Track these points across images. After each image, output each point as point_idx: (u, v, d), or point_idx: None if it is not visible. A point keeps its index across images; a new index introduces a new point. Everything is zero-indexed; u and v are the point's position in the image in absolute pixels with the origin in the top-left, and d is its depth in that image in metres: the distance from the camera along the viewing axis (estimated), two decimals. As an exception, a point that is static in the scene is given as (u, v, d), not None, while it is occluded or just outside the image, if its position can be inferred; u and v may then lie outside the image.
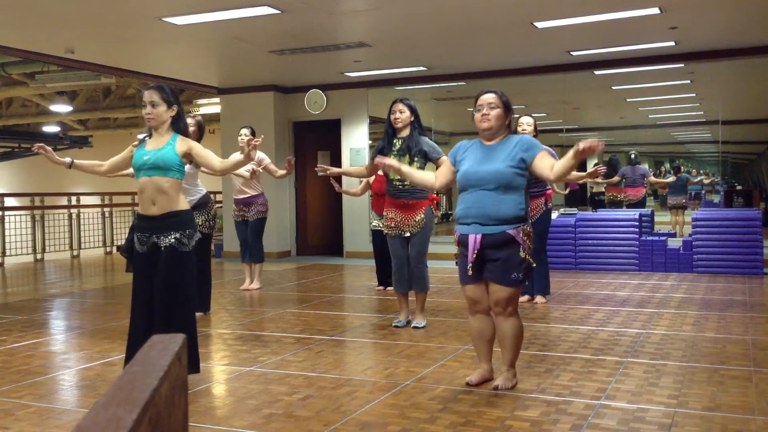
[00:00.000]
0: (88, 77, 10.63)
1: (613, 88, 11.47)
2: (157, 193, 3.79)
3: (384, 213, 5.39)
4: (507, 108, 3.71)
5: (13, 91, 13.00)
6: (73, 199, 13.05)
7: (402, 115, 5.17)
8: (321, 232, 11.81)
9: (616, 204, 10.91)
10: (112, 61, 9.32)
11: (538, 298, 6.37)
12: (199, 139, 5.45)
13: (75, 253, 12.32)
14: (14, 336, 5.36)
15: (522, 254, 3.54)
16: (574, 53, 9.02)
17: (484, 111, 3.67)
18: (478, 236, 3.56)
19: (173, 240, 3.77)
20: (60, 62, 9.26)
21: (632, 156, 11.24)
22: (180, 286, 3.77)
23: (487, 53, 9.13)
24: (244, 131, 7.22)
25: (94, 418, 0.83)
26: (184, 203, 3.88)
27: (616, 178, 10.96)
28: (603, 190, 12.00)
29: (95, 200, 13.80)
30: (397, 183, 5.17)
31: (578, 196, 12.87)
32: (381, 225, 7.13)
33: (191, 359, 3.80)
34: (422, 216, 5.19)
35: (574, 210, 9.92)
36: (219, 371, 4.28)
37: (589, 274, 8.39)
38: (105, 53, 8.89)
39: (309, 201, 11.73)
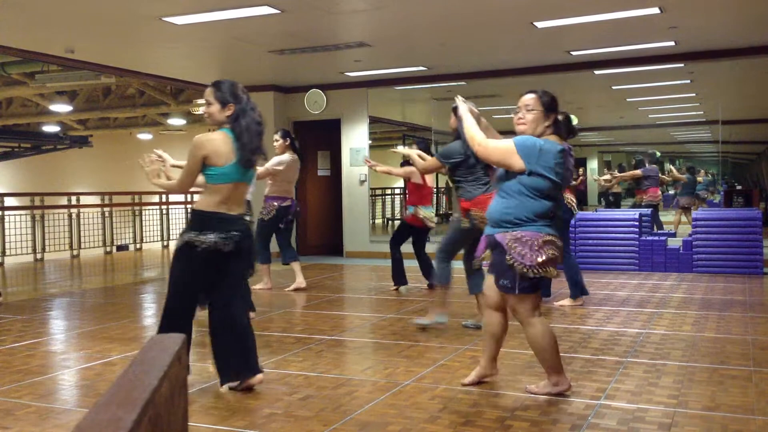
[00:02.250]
0: (88, 77, 10.63)
1: (613, 88, 11.47)
2: None
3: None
4: (548, 109, 3.57)
5: (13, 90, 13.00)
6: (73, 198, 13.04)
7: (450, 120, 5.19)
8: (321, 232, 11.80)
9: (647, 207, 10.59)
10: (112, 61, 9.32)
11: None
12: None
13: (75, 253, 12.32)
14: (14, 336, 5.36)
15: (509, 261, 3.42)
16: (574, 53, 9.02)
17: (520, 114, 3.58)
18: (484, 238, 3.60)
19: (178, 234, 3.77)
20: (60, 62, 9.26)
21: (657, 155, 11.05)
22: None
23: (487, 53, 9.13)
24: (275, 136, 7.13)
25: (94, 418, 0.83)
26: (200, 203, 3.70)
27: (637, 172, 10.67)
28: (620, 190, 11.86)
29: (95, 200, 13.79)
30: None
31: (578, 196, 12.85)
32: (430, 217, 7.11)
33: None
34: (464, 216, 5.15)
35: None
36: (219, 371, 4.28)
37: (589, 274, 8.37)
38: (105, 53, 8.89)
39: (309, 201, 11.72)
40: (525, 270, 3.40)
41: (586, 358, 4.37)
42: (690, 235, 8.70)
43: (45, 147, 18.89)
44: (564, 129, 3.73)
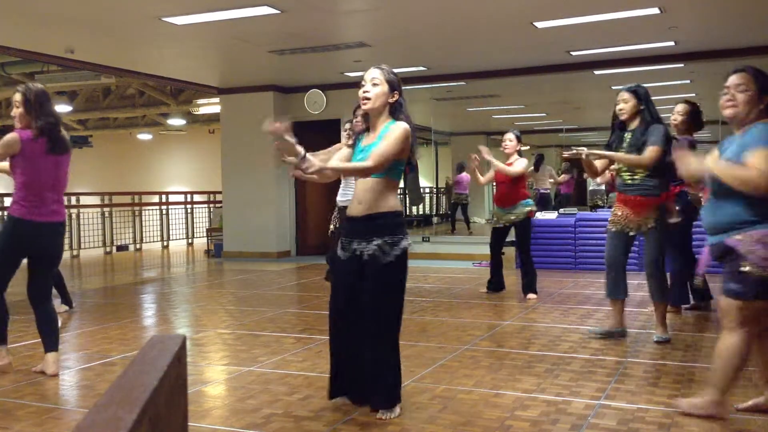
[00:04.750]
0: (88, 77, 10.62)
1: (613, 88, 11.43)
2: (365, 191, 3.28)
3: (612, 208, 4.88)
4: (764, 89, 3.06)
5: (14, 91, 13.01)
6: (73, 199, 13.04)
7: (626, 105, 4.63)
8: (321, 232, 11.79)
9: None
10: (112, 61, 9.32)
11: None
12: None
13: (75, 253, 12.32)
14: (14, 336, 5.35)
15: (745, 267, 2.98)
16: (574, 53, 9.02)
17: (729, 95, 3.10)
18: (707, 249, 3.21)
19: (375, 247, 3.23)
20: (60, 62, 9.26)
21: None
22: (382, 303, 3.31)
23: (487, 53, 9.13)
24: (508, 136, 6.70)
25: (94, 418, 0.83)
26: (392, 204, 3.29)
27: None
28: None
29: (95, 200, 13.79)
30: (626, 177, 4.67)
31: (567, 198, 12.84)
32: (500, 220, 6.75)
33: (384, 394, 3.34)
34: (650, 216, 4.62)
35: (574, 210, 9.91)
36: (219, 371, 4.28)
37: (589, 274, 8.38)
38: (105, 53, 8.89)
39: (309, 201, 11.73)
40: (764, 274, 2.95)
41: (586, 358, 4.36)
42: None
43: (45, 147, 18.90)
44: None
